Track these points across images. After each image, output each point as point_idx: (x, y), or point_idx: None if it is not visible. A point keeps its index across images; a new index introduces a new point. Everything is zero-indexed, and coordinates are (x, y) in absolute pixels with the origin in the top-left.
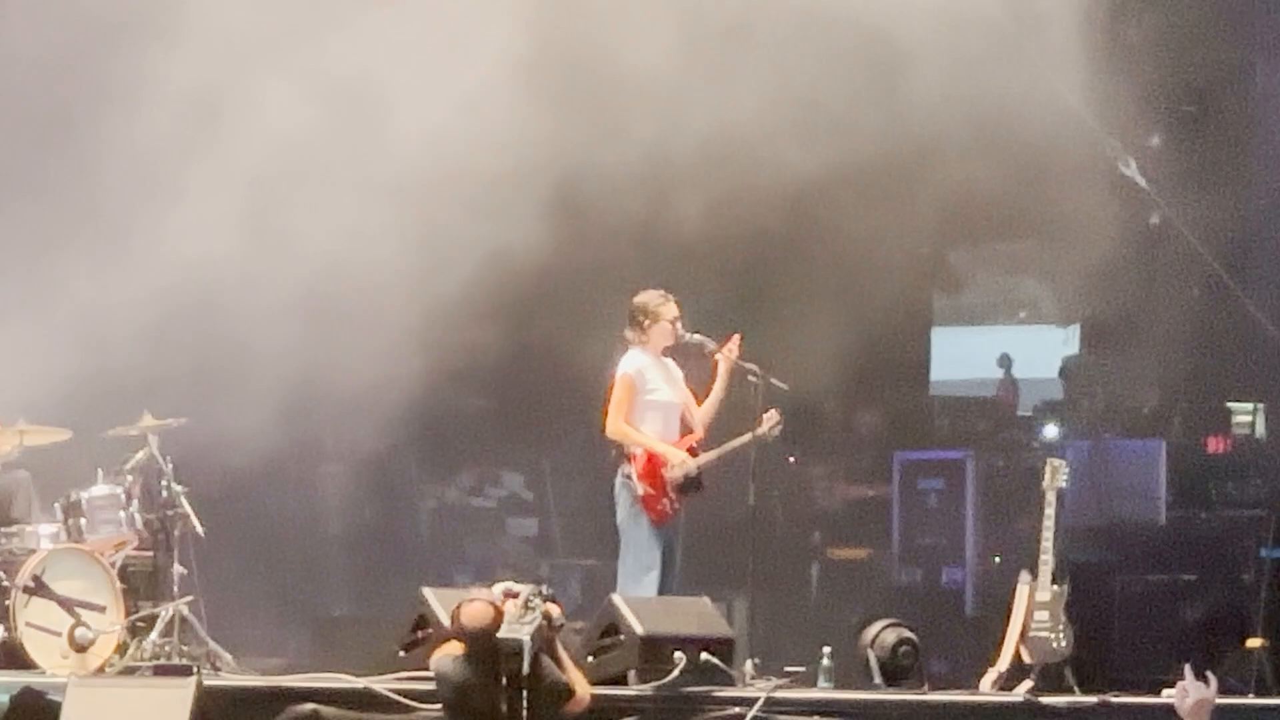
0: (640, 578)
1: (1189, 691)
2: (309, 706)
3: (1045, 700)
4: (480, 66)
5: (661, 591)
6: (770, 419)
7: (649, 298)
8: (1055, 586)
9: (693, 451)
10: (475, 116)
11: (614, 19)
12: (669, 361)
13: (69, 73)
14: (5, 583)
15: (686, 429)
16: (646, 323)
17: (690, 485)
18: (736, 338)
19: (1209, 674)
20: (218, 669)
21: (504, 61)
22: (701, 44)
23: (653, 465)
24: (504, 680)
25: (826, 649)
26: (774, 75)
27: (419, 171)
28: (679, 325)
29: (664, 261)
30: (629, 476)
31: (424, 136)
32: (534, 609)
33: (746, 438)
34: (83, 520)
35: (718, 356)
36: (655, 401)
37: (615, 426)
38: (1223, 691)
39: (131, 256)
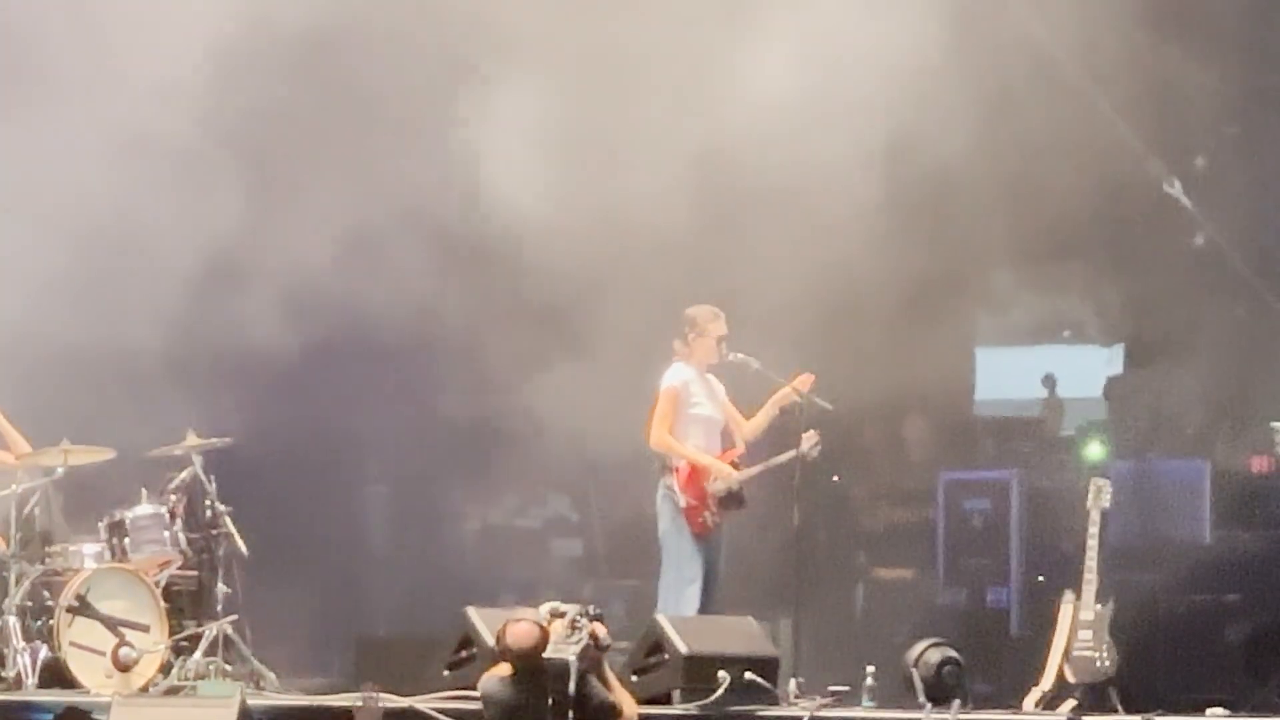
0: (682, 590)
1: None
2: None
3: None
4: None
5: (702, 606)
6: (810, 439)
7: (698, 312)
8: (1099, 606)
9: (735, 466)
10: None
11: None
12: (712, 378)
13: None
14: (50, 602)
15: (729, 444)
16: (692, 336)
17: (732, 500)
18: (810, 379)
19: None
20: (261, 688)
21: None
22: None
23: (695, 477)
24: (551, 701)
25: (870, 668)
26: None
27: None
28: (724, 344)
29: (715, 278)
30: (671, 488)
31: None
32: (580, 629)
33: (788, 455)
34: (127, 540)
35: (786, 382)
36: (698, 416)
37: (659, 438)
38: (1267, 711)
39: None
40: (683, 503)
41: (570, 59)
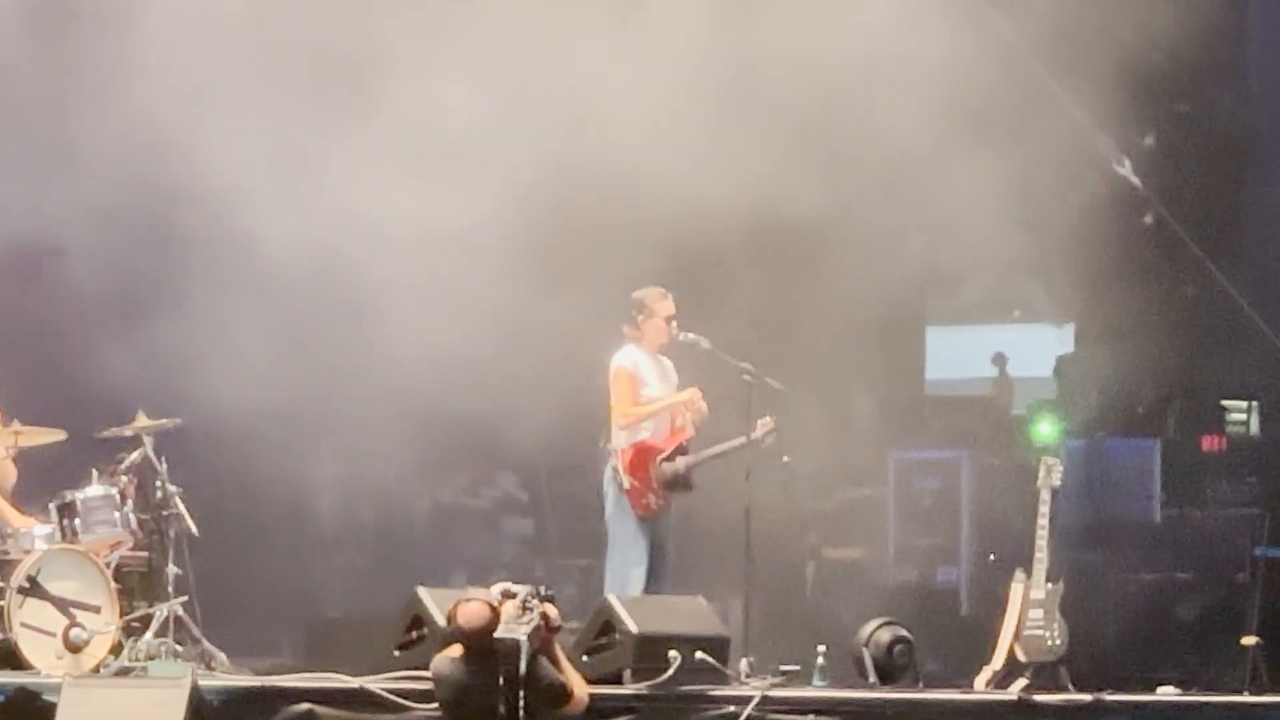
0: (628, 573)
1: None
2: (304, 706)
3: (1039, 699)
4: None
5: (651, 589)
6: (765, 425)
7: (646, 294)
8: (1050, 585)
9: (682, 449)
10: None
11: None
12: (664, 359)
13: None
14: (0, 584)
15: (679, 426)
16: (641, 318)
17: (678, 483)
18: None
19: None
20: (212, 669)
21: None
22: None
23: (639, 459)
24: (502, 681)
25: (821, 648)
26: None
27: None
28: (674, 324)
29: (657, 260)
30: (616, 470)
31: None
32: (532, 610)
33: (739, 441)
34: (77, 521)
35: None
36: (649, 397)
37: (626, 413)
38: (1217, 689)
39: None
40: (626, 484)
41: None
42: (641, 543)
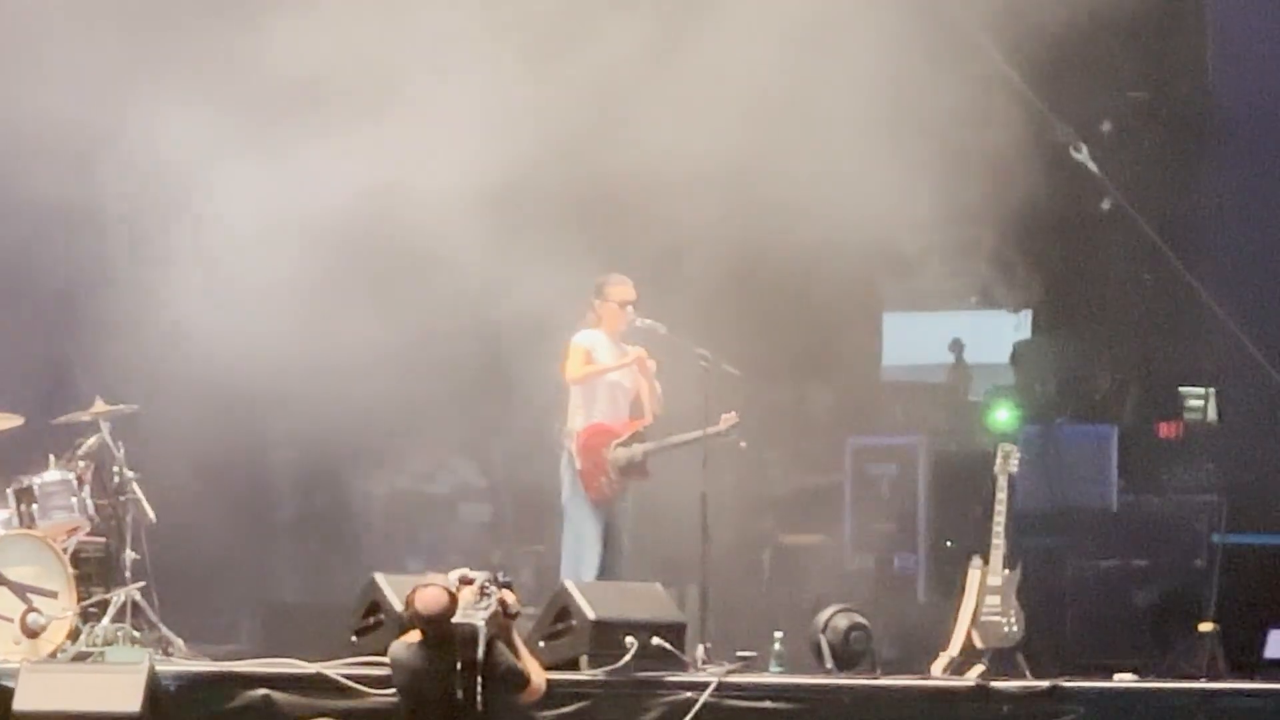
0: (581, 555)
1: None
2: (261, 692)
3: (996, 685)
4: None
5: (605, 574)
6: (729, 419)
7: (606, 279)
8: (1007, 571)
9: (639, 436)
10: None
11: None
12: (630, 348)
13: None
14: None
15: (638, 414)
16: (599, 303)
17: (633, 469)
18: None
19: None
20: (170, 654)
21: None
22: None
23: (592, 442)
24: (459, 666)
25: (778, 634)
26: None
27: None
28: (629, 309)
29: (615, 245)
30: (570, 453)
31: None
32: (490, 595)
33: (698, 434)
34: (35, 506)
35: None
36: (605, 381)
37: (574, 373)
38: (1175, 676)
39: None
40: (578, 465)
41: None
42: (594, 526)
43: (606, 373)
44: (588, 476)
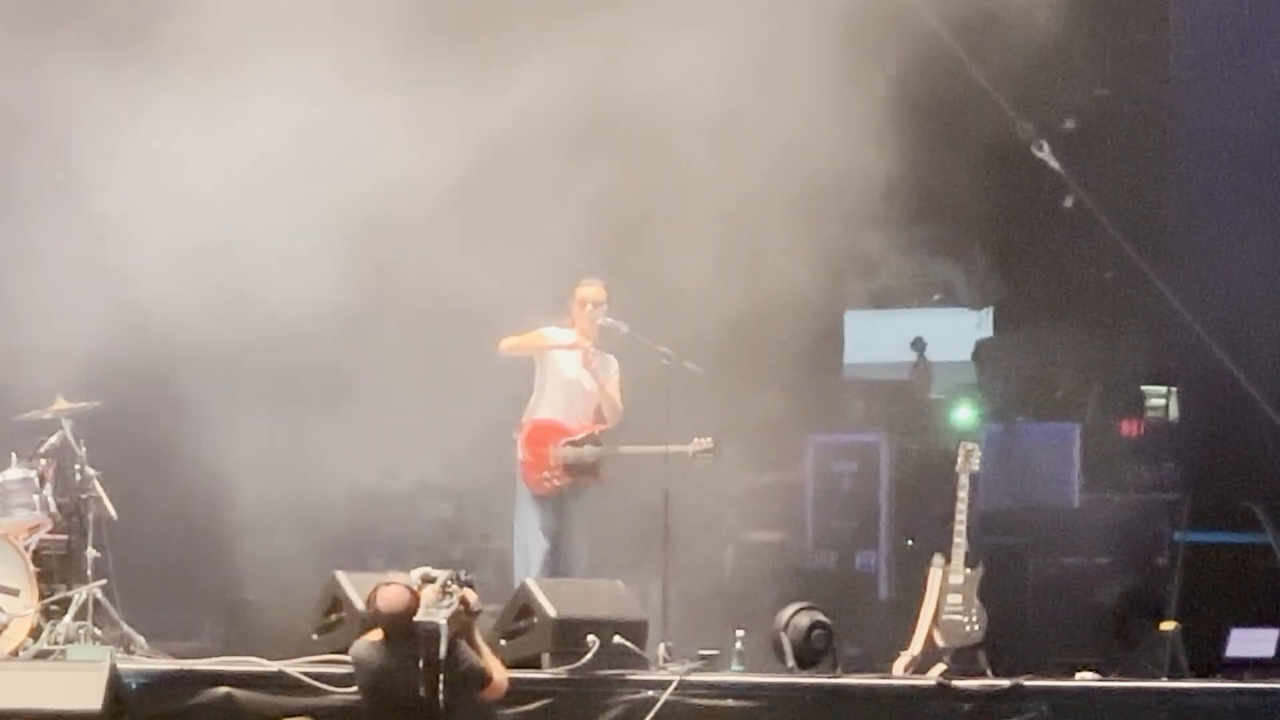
0: (526, 544)
1: None
2: (223, 690)
3: (958, 683)
4: None
5: (557, 572)
6: (701, 445)
7: (578, 280)
8: (969, 570)
9: (594, 439)
10: None
11: None
12: (610, 357)
13: None
14: None
15: (599, 418)
16: (569, 303)
17: (581, 469)
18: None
19: None
20: (131, 652)
21: None
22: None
23: (537, 435)
24: (422, 665)
25: (740, 632)
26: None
27: None
28: (590, 308)
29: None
30: (515, 443)
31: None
32: (451, 594)
33: (660, 449)
34: None
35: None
36: (562, 378)
37: (507, 339)
38: (1136, 674)
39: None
40: (519, 456)
41: None
42: (535, 517)
43: (531, 348)
44: (527, 468)
